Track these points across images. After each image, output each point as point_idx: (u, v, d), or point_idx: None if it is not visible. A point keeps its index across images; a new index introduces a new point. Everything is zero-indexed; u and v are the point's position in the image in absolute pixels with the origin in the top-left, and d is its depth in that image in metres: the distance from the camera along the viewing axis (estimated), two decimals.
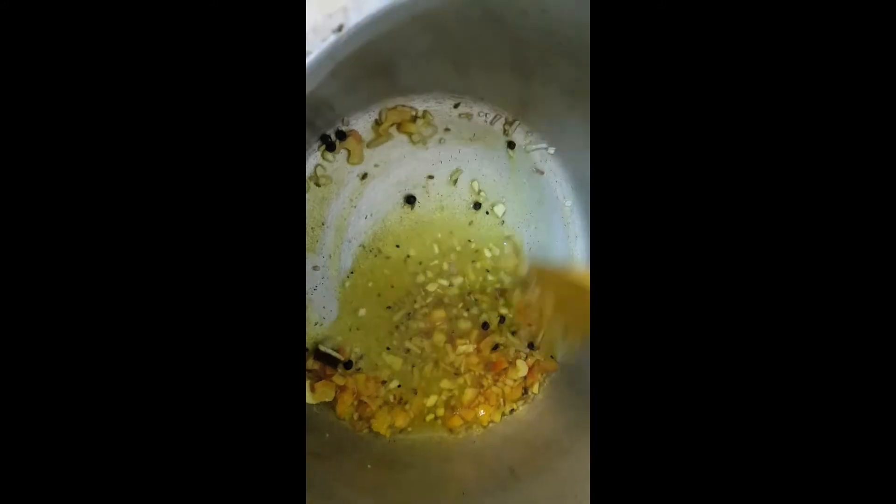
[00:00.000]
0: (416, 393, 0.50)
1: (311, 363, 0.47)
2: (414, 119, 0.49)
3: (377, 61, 0.39)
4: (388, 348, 0.49)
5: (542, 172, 0.53)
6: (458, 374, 0.50)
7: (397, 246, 0.50)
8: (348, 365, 0.48)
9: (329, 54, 0.27)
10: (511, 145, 0.52)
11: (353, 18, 0.27)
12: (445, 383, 0.50)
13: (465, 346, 0.50)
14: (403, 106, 0.49)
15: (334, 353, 0.47)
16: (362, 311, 0.49)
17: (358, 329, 0.49)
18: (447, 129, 0.51)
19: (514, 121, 0.51)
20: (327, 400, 0.48)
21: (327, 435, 0.47)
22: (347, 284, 0.49)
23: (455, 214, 0.51)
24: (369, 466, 0.46)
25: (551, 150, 0.52)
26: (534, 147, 0.52)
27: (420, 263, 0.50)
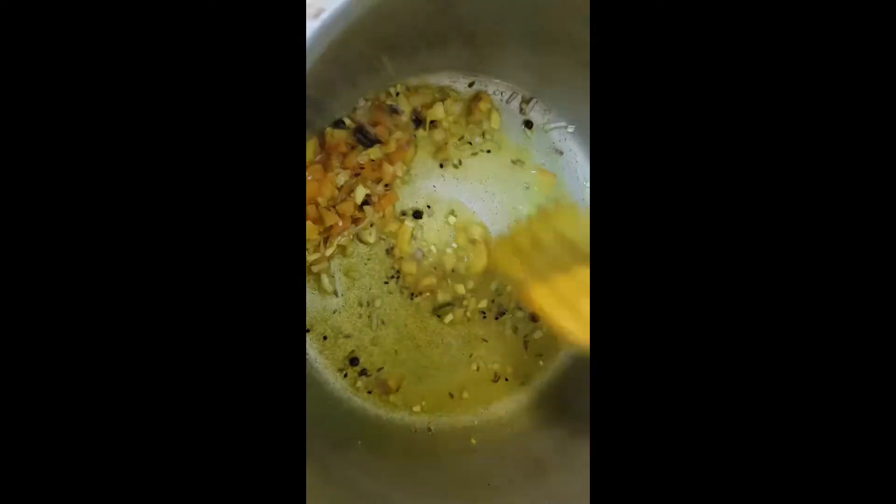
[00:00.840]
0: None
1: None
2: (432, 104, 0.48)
3: (386, 34, 0.38)
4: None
5: (561, 153, 0.51)
6: None
7: None
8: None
9: (343, 13, 0.26)
10: (528, 125, 0.50)
11: None
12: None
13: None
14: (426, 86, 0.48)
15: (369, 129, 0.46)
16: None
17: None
18: None
19: (532, 98, 0.50)
20: None
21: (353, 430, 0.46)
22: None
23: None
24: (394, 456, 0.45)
25: (570, 129, 0.50)
26: (552, 126, 0.50)
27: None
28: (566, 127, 0.50)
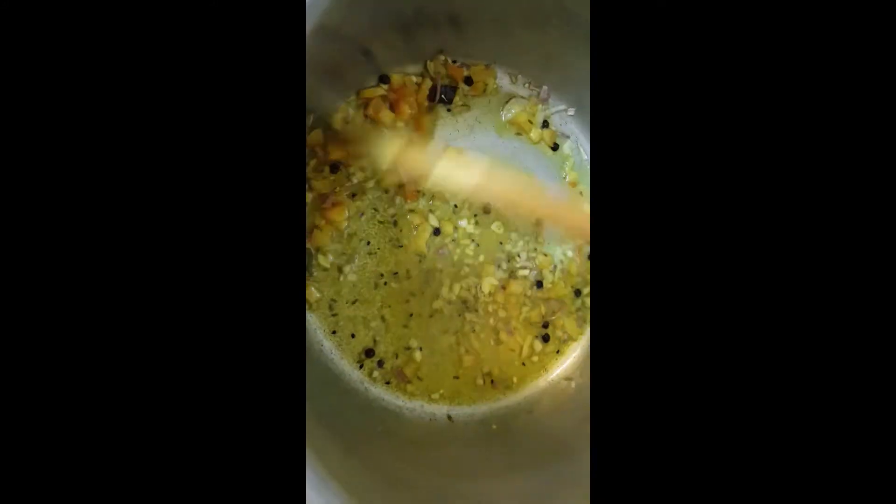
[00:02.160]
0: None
1: None
2: None
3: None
4: None
5: (566, 136, 0.51)
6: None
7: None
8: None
9: None
10: (555, 147, 0.51)
11: None
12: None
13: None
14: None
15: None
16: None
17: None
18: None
19: (528, 82, 0.50)
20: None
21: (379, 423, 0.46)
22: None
23: None
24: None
25: (571, 112, 0.51)
26: (553, 110, 0.51)
27: None
28: (566, 110, 0.51)
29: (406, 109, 0.46)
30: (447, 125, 0.49)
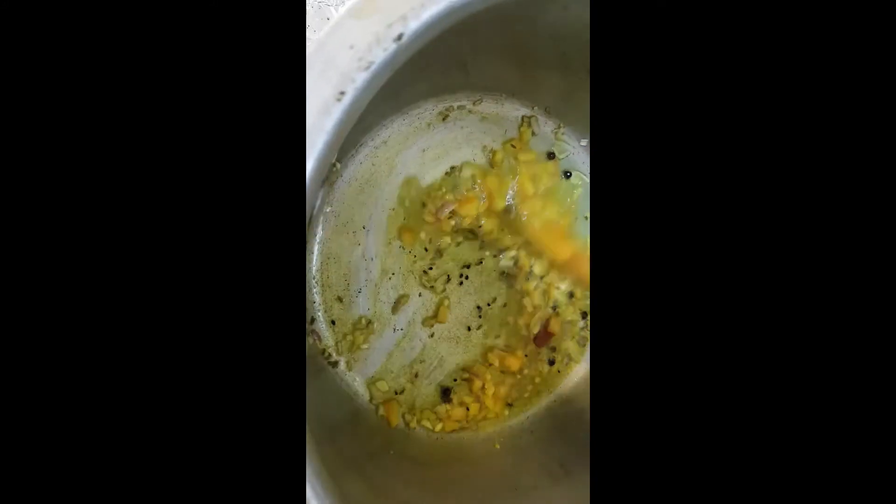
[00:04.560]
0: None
1: None
2: None
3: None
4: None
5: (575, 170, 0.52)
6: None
7: None
8: None
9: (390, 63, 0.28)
10: (551, 156, 0.52)
11: (412, 26, 0.28)
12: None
13: None
14: None
15: None
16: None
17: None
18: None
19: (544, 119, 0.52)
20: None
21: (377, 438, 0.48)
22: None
23: None
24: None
25: (584, 143, 0.52)
26: (566, 145, 0.52)
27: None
28: (578, 142, 0.52)
29: None
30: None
